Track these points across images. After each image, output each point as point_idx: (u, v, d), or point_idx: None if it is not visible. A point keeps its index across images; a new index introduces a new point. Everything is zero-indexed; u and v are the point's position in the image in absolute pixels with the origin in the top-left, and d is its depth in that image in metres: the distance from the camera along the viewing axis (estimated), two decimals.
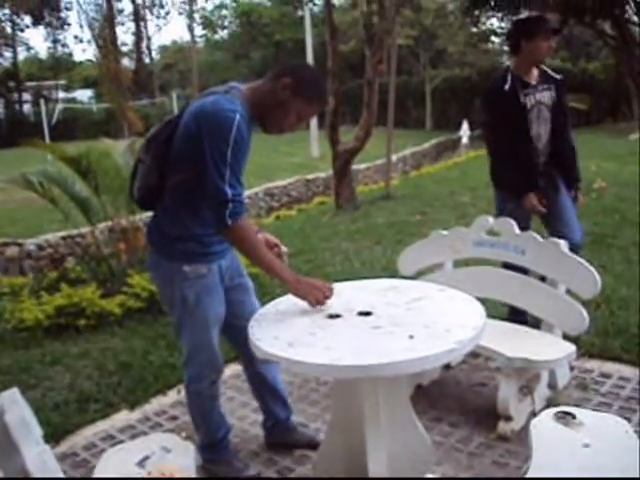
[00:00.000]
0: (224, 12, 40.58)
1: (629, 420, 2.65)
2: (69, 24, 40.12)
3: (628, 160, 10.96)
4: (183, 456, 1.94)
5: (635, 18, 19.05)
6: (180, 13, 47.77)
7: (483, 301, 2.17)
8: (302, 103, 2.15)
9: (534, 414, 2.41)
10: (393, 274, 3.86)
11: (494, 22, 27.32)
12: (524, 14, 11.73)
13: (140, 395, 3.31)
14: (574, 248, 3.11)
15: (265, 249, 2.20)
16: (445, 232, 3.35)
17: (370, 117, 9.15)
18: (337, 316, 2.05)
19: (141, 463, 1.90)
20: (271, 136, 2.34)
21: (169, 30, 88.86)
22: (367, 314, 2.05)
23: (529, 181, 3.43)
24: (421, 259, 3.42)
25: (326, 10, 9.67)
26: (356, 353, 1.77)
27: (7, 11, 34.12)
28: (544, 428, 1.86)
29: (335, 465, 2.22)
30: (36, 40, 55.47)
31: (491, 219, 3.21)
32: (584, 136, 14.56)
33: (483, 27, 27.76)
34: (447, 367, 3.29)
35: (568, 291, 2.92)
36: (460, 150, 20.74)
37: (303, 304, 2.13)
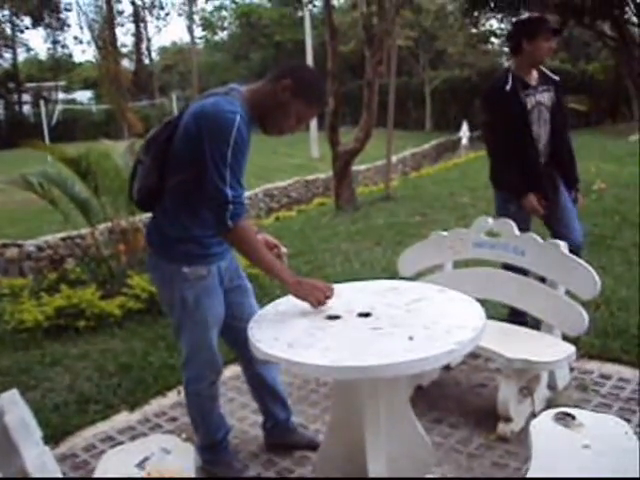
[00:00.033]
0: (224, 13, 40.61)
1: (629, 421, 2.65)
2: (69, 25, 40.10)
3: (628, 161, 10.95)
4: (183, 457, 1.95)
5: (635, 19, 19.07)
6: (180, 14, 47.72)
7: (483, 302, 2.17)
8: (302, 105, 2.15)
9: (534, 415, 2.40)
10: (393, 275, 3.87)
11: (494, 23, 27.46)
12: (524, 15, 11.76)
13: (140, 396, 3.31)
14: (574, 249, 3.11)
15: (265, 250, 2.20)
16: (445, 233, 3.35)
17: (370, 118, 9.15)
18: (337, 317, 2.05)
19: (141, 464, 1.90)
20: (271, 137, 2.35)
21: (169, 31, 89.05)
22: (367, 315, 2.05)
23: (531, 182, 3.43)
24: (421, 260, 3.42)
25: (326, 11, 9.67)
26: (356, 354, 1.77)
27: (7, 12, 34.19)
28: (544, 429, 1.86)
29: (335, 466, 2.22)
30: (36, 41, 55.88)
31: (491, 220, 3.21)
32: (584, 137, 14.58)
33: (483, 28, 27.78)
34: (447, 368, 3.29)
35: (568, 292, 2.92)
36: (460, 151, 20.74)
37: (303, 305, 2.13)
